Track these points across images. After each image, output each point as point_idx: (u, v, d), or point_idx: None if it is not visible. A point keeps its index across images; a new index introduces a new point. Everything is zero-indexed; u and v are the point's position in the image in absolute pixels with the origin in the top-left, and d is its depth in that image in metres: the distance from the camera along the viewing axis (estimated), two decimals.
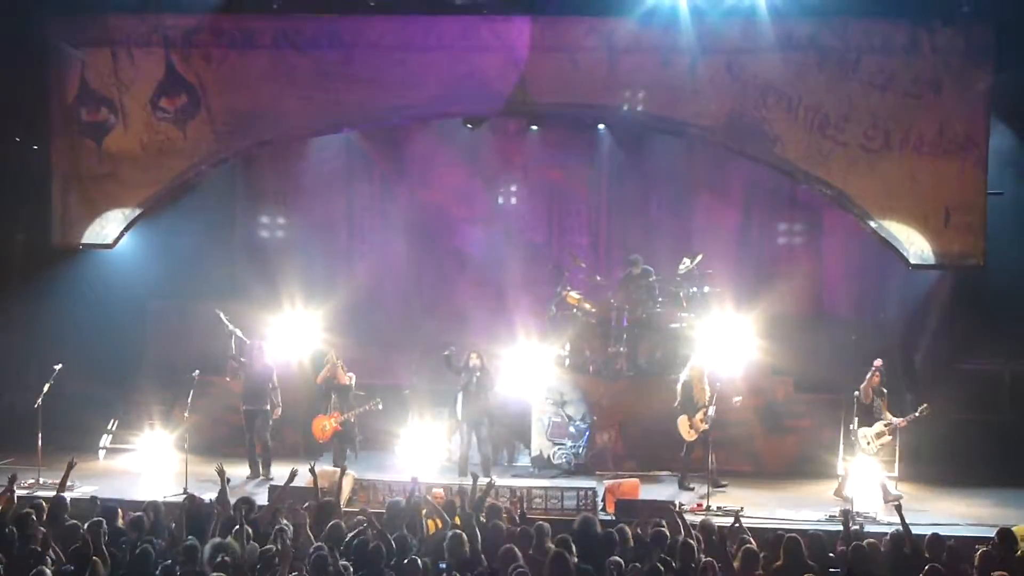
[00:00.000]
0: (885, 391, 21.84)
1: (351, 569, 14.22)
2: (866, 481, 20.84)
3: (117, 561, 15.14)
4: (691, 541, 15.41)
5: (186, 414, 22.29)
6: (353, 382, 23.29)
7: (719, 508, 19.85)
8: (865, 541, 15.58)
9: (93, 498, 18.34)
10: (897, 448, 21.76)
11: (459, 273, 28.73)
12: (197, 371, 22.72)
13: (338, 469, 20.43)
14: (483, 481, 17.77)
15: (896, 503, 16.84)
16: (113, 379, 25.06)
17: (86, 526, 15.70)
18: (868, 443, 21.33)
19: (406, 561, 14.57)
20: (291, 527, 15.94)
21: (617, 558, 14.43)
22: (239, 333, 23.28)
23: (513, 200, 28.91)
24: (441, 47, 24.28)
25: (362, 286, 27.77)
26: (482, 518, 16.68)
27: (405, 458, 22.52)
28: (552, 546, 15.11)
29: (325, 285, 26.15)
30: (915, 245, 23.64)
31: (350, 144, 28.21)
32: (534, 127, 27.58)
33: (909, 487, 21.73)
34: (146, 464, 22.73)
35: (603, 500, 20.13)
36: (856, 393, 21.40)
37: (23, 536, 15.55)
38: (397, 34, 24.38)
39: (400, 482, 20.04)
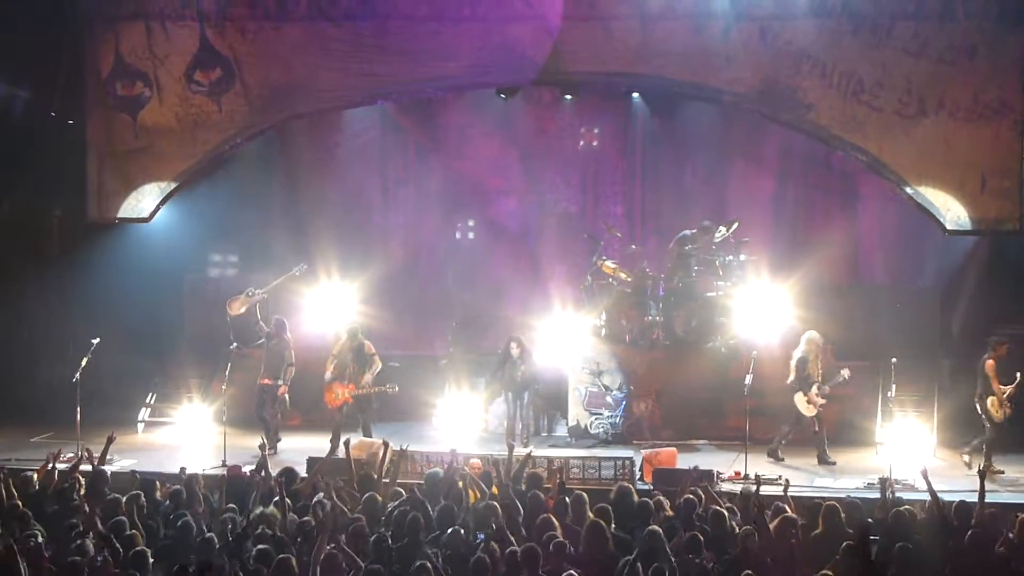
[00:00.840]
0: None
1: (390, 540, 14.27)
2: (906, 449, 20.81)
3: (155, 533, 15.23)
4: (722, 510, 15.45)
5: (224, 386, 22.40)
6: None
7: (757, 476, 19.79)
8: (904, 508, 15.56)
9: (132, 472, 18.47)
10: (935, 415, 21.73)
11: (494, 243, 28.74)
12: (235, 344, 22.83)
13: (375, 440, 20.53)
14: (521, 452, 17.80)
15: (922, 470, 16.75)
16: (151, 353, 25.18)
17: (125, 499, 15.82)
18: (997, 411, 21.20)
19: (449, 531, 14.61)
20: (329, 499, 16.00)
21: (655, 527, 14.43)
22: (263, 296, 23.16)
23: (547, 170, 28.84)
24: (475, 17, 24.26)
25: (397, 257, 27.86)
26: (522, 487, 16.74)
27: (442, 429, 22.57)
28: (591, 515, 15.16)
29: (360, 257, 26.20)
30: (951, 211, 23.52)
31: (384, 115, 28.24)
32: (568, 96, 27.51)
33: (948, 454, 21.69)
34: (185, 437, 22.81)
35: (640, 470, 20.11)
36: (988, 362, 21.24)
37: (64, 510, 15.67)
38: (431, 5, 24.37)
39: (438, 453, 20.09)
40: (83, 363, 21.93)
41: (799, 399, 21.79)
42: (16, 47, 24.57)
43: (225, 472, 18.31)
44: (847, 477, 20.18)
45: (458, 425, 22.30)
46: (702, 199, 27.38)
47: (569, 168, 28.86)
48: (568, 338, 23.50)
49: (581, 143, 28.78)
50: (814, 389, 21.63)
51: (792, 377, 21.86)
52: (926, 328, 24.01)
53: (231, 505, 15.80)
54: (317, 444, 21.88)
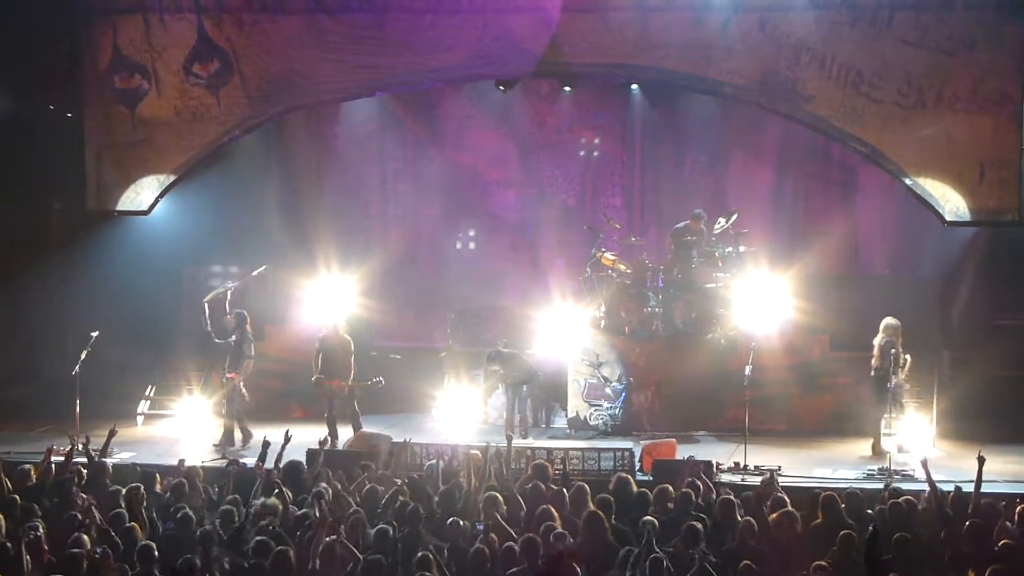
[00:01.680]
0: None
1: (389, 531, 14.28)
2: (906, 437, 20.84)
3: (156, 526, 15.25)
4: (731, 498, 15.49)
5: (223, 379, 22.38)
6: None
7: (756, 467, 19.84)
8: (903, 498, 15.59)
9: (133, 464, 18.49)
10: (935, 406, 21.75)
11: (493, 236, 28.76)
12: (234, 336, 22.82)
13: (374, 432, 20.59)
14: (520, 443, 17.82)
15: (922, 460, 16.78)
16: (150, 345, 25.21)
17: (125, 492, 15.82)
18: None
19: (448, 522, 14.63)
20: (329, 491, 16.02)
21: (651, 518, 14.46)
22: (224, 292, 23.13)
23: (546, 162, 28.82)
24: (472, 9, 24.23)
25: (396, 249, 27.85)
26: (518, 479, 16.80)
27: (442, 421, 22.58)
28: (592, 506, 15.20)
29: (359, 249, 26.22)
30: (950, 202, 23.50)
31: (382, 107, 28.23)
32: (567, 88, 27.51)
33: (948, 444, 21.69)
34: (184, 429, 22.82)
35: (640, 461, 20.12)
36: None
37: (63, 502, 15.68)
38: None
39: (437, 445, 20.11)
40: (82, 356, 21.93)
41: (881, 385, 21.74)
42: (14, 40, 24.55)
43: (226, 465, 18.29)
44: (845, 467, 20.18)
45: (457, 417, 22.31)
46: (701, 191, 27.38)
47: (568, 160, 28.85)
48: (567, 330, 23.51)
49: (580, 135, 28.76)
50: (901, 374, 21.60)
51: (878, 364, 21.72)
52: (925, 319, 23.97)
53: (232, 497, 15.82)
54: (318, 436, 21.87)
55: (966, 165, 23.42)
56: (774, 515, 15.10)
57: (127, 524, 14.60)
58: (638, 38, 23.95)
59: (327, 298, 23.65)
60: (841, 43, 23.57)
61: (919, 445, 20.58)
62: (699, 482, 16.62)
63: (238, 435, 22.15)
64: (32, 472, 17.16)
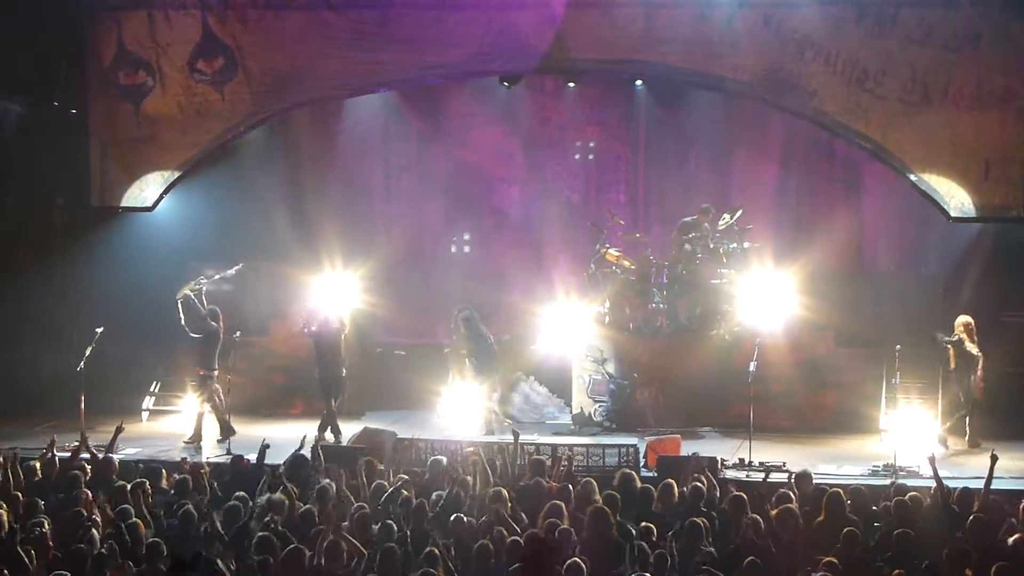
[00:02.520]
0: None
1: (395, 527, 14.30)
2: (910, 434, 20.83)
3: (160, 522, 15.26)
4: (742, 495, 15.54)
5: (228, 375, 22.40)
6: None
7: (761, 463, 19.84)
8: (908, 495, 15.59)
9: (137, 462, 18.51)
10: (939, 402, 21.73)
11: (497, 232, 28.76)
12: (238, 332, 22.84)
13: (378, 428, 20.62)
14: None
15: (929, 456, 16.79)
16: (155, 341, 25.17)
17: (130, 487, 15.84)
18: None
19: (453, 518, 14.64)
20: (333, 487, 16.05)
21: (648, 524, 14.50)
22: (199, 288, 23.12)
23: (550, 158, 28.82)
24: (476, 5, 24.22)
25: (400, 245, 27.84)
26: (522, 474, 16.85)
27: (446, 417, 22.58)
28: (598, 499, 15.24)
29: (363, 245, 26.18)
30: (955, 198, 23.50)
31: (387, 104, 28.21)
32: (571, 84, 27.50)
33: (953, 441, 21.66)
34: (189, 425, 22.80)
35: (644, 457, 20.13)
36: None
37: (69, 498, 15.69)
38: None
39: (442, 440, 20.12)
40: (87, 352, 21.92)
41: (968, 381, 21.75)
42: (19, 37, 24.53)
43: (230, 461, 18.32)
44: (850, 464, 20.17)
45: (462, 413, 22.31)
46: (705, 187, 27.30)
47: (572, 156, 28.86)
48: (572, 326, 23.50)
49: (584, 131, 28.75)
50: (978, 371, 21.62)
51: (953, 364, 21.71)
52: (930, 315, 23.94)
53: (239, 493, 15.82)
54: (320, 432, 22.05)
55: (971, 162, 23.42)
56: (775, 511, 15.14)
57: (132, 520, 14.61)
58: (642, 34, 23.94)
59: (331, 294, 23.61)
60: (846, 39, 23.55)
61: (923, 442, 20.58)
62: (704, 478, 16.63)
63: (208, 430, 22.25)
64: (38, 467, 17.18)
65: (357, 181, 28.80)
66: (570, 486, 16.11)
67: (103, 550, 13.51)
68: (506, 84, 25.99)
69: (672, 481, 16.38)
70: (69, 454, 17.67)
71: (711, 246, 24.20)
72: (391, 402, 24.24)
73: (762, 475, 18.22)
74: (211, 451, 21.32)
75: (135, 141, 25.32)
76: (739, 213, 24.39)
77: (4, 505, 14.75)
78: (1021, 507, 15.17)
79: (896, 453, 19.56)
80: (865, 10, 23.43)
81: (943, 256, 25.49)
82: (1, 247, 25.29)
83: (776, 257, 24.08)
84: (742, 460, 20.09)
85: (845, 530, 14.12)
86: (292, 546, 13.50)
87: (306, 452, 17.82)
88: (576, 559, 13.04)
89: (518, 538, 13.79)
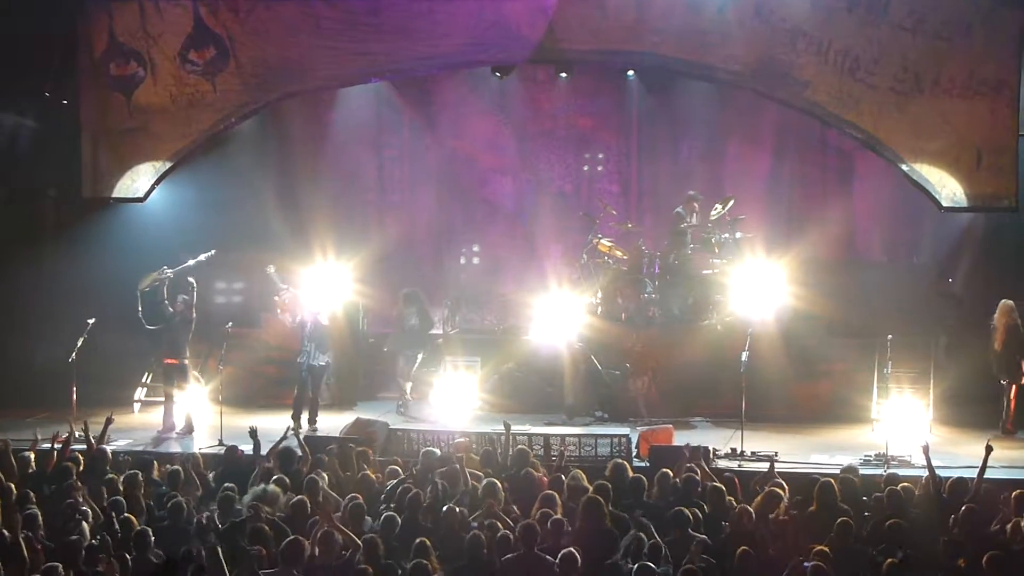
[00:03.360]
0: None
1: (397, 519, 14.33)
2: (902, 425, 20.86)
3: (153, 513, 15.26)
4: (720, 486, 15.56)
5: (220, 366, 22.40)
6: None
7: (753, 453, 19.86)
8: (900, 485, 15.61)
9: (125, 454, 18.49)
10: (931, 392, 21.76)
11: (490, 222, 28.78)
12: (230, 323, 22.81)
13: (370, 419, 20.64)
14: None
15: (923, 446, 16.80)
16: (146, 332, 25.12)
17: (122, 479, 15.84)
18: None
19: (444, 509, 14.65)
20: (325, 477, 16.05)
21: (640, 515, 14.52)
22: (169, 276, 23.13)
23: (543, 148, 28.83)
24: None
25: (392, 236, 27.85)
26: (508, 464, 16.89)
27: (439, 407, 22.58)
28: (589, 488, 15.26)
29: (356, 236, 26.19)
30: (947, 188, 23.46)
31: (379, 94, 28.25)
32: (563, 75, 27.45)
33: (944, 430, 21.70)
34: (181, 416, 22.77)
35: (637, 447, 20.14)
36: None
37: (61, 490, 15.68)
38: None
39: (435, 431, 20.13)
40: (79, 343, 21.95)
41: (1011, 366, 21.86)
42: (10, 28, 24.48)
43: (224, 451, 18.30)
44: (842, 453, 20.16)
45: (455, 403, 22.31)
46: (698, 177, 27.38)
47: (564, 147, 28.90)
48: (564, 316, 23.49)
49: (577, 122, 28.77)
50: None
51: (999, 346, 21.88)
52: (922, 305, 23.97)
53: (229, 484, 15.82)
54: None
55: (963, 151, 23.36)
56: (759, 497, 15.21)
57: (124, 512, 14.61)
58: (634, 24, 23.88)
59: (324, 284, 23.61)
60: (838, 29, 23.50)
61: (915, 432, 20.62)
62: (696, 468, 16.63)
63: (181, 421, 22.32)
64: (32, 459, 17.17)
65: (349, 172, 28.83)
66: (562, 476, 16.13)
67: (94, 542, 13.51)
68: (498, 74, 25.95)
69: (668, 471, 16.41)
70: (61, 445, 17.62)
71: (703, 236, 24.22)
72: (384, 392, 24.31)
73: (757, 464, 18.29)
74: (204, 442, 21.30)
75: (126, 132, 25.26)
76: (731, 203, 24.45)
77: None
78: (1012, 496, 15.17)
79: (888, 442, 19.58)
80: None
81: (935, 246, 25.50)
82: None
83: (768, 247, 24.15)
84: (734, 450, 20.10)
85: (839, 520, 14.13)
86: (292, 537, 13.49)
87: (291, 443, 17.81)
88: (570, 549, 13.05)
89: (509, 532, 13.80)
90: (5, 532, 13.55)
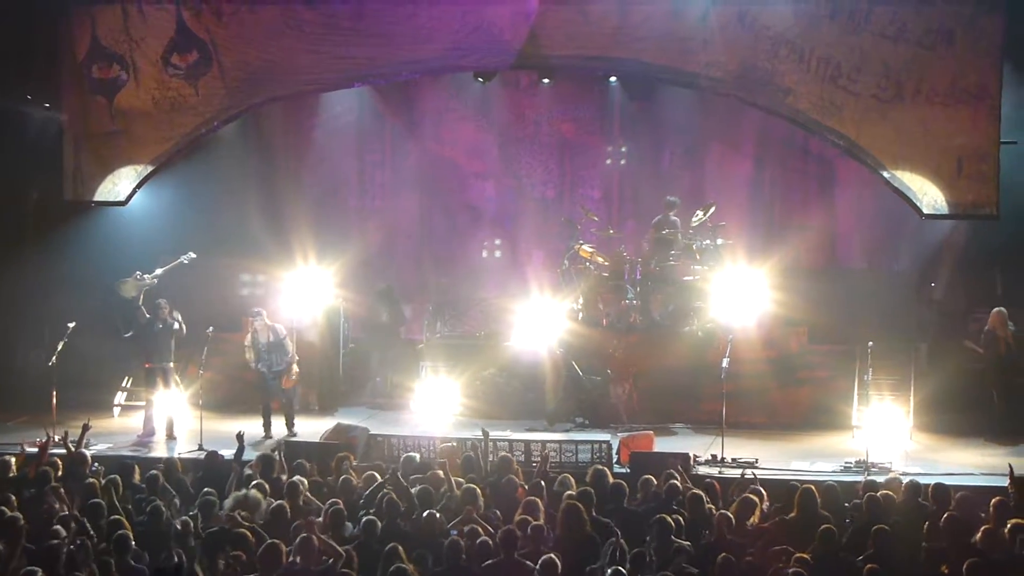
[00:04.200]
0: None
1: (378, 523, 14.32)
2: (882, 432, 20.89)
3: (132, 517, 15.23)
4: (699, 492, 15.59)
5: (200, 371, 22.36)
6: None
7: (734, 460, 19.87)
8: (880, 492, 15.63)
9: (98, 467, 18.44)
10: (911, 399, 21.81)
11: (471, 228, 28.78)
12: (211, 328, 22.77)
13: (351, 424, 20.63)
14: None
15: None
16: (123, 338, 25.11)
17: (102, 483, 15.80)
18: None
19: (424, 514, 14.64)
20: (304, 482, 16.05)
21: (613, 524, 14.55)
22: (151, 282, 23.15)
23: (525, 154, 28.84)
24: (451, 0, 24.17)
25: (374, 241, 27.85)
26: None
27: (419, 413, 22.56)
28: (573, 493, 15.28)
29: (337, 240, 26.17)
30: (928, 195, 23.49)
31: (362, 99, 28.24)
32: (545, 80, 27.36)
33: (925, 437, 21.76)
34: (161, 421, 22.73)
35: (618, 453, 20.15)
36: None
37: (40, 494, 15.64)
38: None
39: (414, 437, 20.12)
40: (59, 347, 21.90)
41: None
42: None
43: (205, 456, 18.28)
44: (823, 460, 20.20)
45: (435, 409, 22.28)
46: (680, 183, 27.40)
47: (547, 152, 28.88)
48: (545, 322, 23.48)
49: (559, 127, 28.78)
50: None
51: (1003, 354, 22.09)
52: (902, 312, 24.02)
53: (208, 489, 15.79)
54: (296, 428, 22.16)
55: (944, 159, 23.39)
56: (733, 504, 15.25)
57: (104, 516, 14.58)
58: (616, 30, 23.88)
59: (305, 289, 23.61)
60: (820, 36, 23.52)
61: (895, 439, 20.66)
62: (676, 475, 16.65)
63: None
64: (13, 463, 17.12)
65: (331, 176, 28.82)
66: (541, 482, 16.15)
67: (72, 547, 13.48)
68: (481, 80, 25.92)
69: (652, 477, 16.43)
70: (38, 450, 17.58)
71: (685, 242, 24.25)
72: (364, 398, 24.31)
73: (736, 471, 18.32)
74: (184, 447, 21.27)
75: (108, 135, 25.21)
76: (712, 210, 24.49)
77: None
78: (991, 504, 15.20)
79: (868, 449, 19.61)
80: (839, 7, 23.39)
81: (916, 253, 25.56)
82: None
83: (749, 253, 24.18)
84: (715, 456, 20.12)
85: (822, 527, 14.14)
86: (269, 542, 13.46)
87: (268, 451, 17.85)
88: (550, 555, 13.05)
89: (489, 539, 13.80)
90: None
